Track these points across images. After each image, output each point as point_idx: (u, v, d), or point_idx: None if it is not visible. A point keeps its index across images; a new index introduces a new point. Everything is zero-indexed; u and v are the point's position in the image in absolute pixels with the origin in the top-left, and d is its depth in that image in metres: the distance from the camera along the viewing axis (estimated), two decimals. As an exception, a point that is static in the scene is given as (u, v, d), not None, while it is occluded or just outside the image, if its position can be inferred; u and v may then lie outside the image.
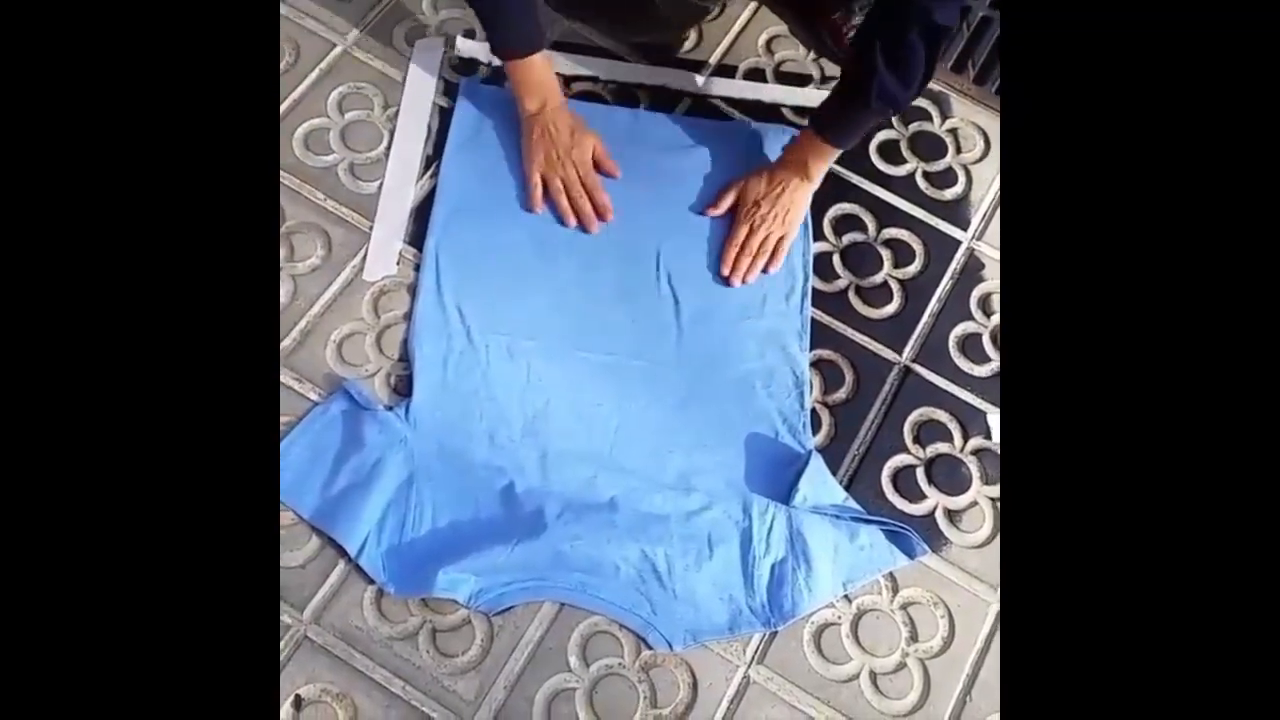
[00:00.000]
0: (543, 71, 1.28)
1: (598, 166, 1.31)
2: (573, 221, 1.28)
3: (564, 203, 1.28)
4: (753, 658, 1.11)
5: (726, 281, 1.28)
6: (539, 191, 1.29)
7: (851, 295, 1.32)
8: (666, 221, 1.32)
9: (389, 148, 1.34)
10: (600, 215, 1.29)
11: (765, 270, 1.29)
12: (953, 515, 1.20)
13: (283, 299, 1.22)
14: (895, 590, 1.16)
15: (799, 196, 1.30)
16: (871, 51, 1.15)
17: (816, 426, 1.23)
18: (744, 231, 1.29)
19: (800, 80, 1.46)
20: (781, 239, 1.29)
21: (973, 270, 1.35)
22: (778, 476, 1.18)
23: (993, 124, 1.45)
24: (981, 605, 1.16)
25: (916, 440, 1.24)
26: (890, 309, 1.32)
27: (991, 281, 1.34)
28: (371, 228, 1.28)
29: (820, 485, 1.17)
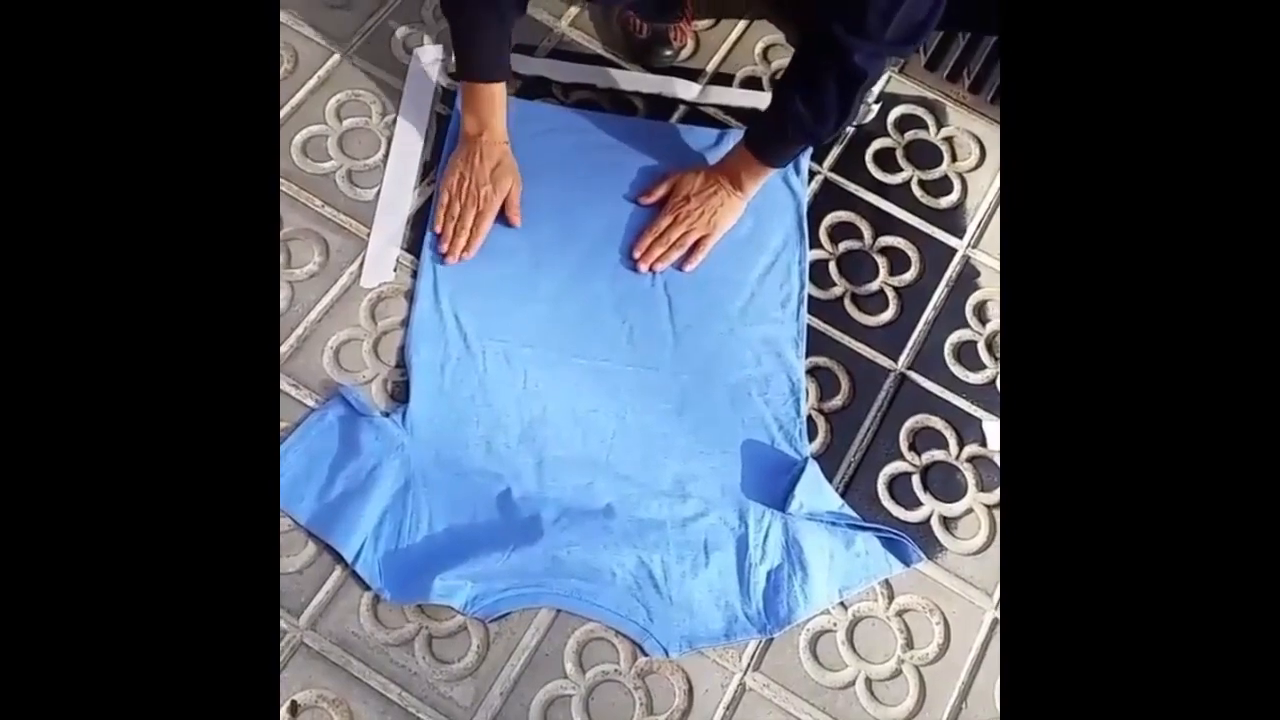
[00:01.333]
0: (494, 101, 1.28)
1: (504, 210, 1.29)
2: (445, 247, 1.27)
3: (448, 230, 1.27)
4: (748, 664, 1.11)
5: (634, 266, 1.28)
6: (444, 210, 1.28)
7: (847, 303, 1.32)
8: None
9: (387, 155, 1.34)
10: (462, 252, 1.27)
11: (680, 268, 1.29)
12: (948, 522, 1.20)
13: (280, 306, 1.22)
14: (891, 597, 1.16)
15: (731, 203, 1.30)
16: (791, 83, 1.17)
17: (812, 433, 1.23)
18: (666, 222, 1.29)
19: (797, 88, 1.47)
20: (703, 239, 1.29)
21: (968, 278, 1.36)
22: (774, 483, 1.18)
23: (988, 132, 1.46)
24: (977, 612, 1.16)
25: (912, 447, 1.24)
26: (886, 316, 1.32)
27: (987, 289, 1.35)
28: (369, 234, 1.29)
29: (816, 492, 1.17)
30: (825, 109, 1.15)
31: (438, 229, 1.28)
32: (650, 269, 1.28)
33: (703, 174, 1.31)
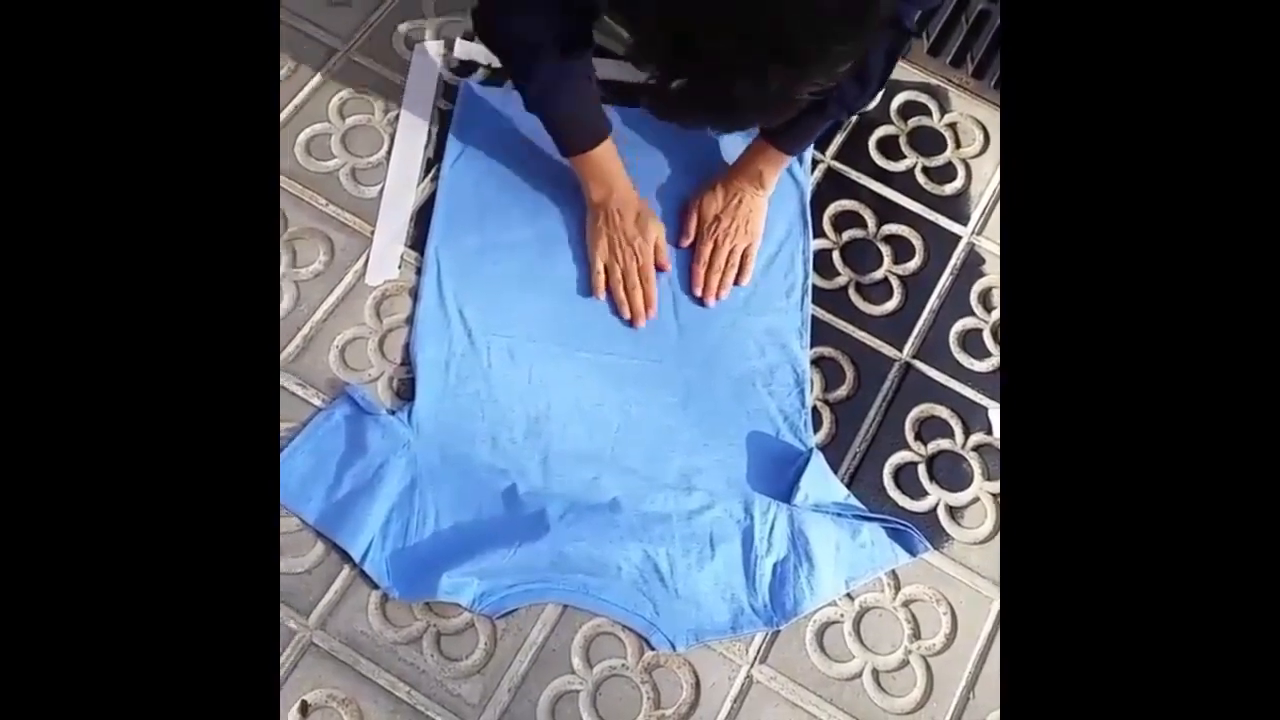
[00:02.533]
0: (608, 160, 1.25)
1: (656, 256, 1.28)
2: (626, 313, 1.25)
3: (620, 293, 1.26)
4: (755, 657, 1.12)
5: (701, 302, 1.27)
6: (601, 278, 1.26)
7: (851, 292, 1.32)
8: (665, 220, 1.32)
9: (390, 152, 1.35)
10: (646, 308, 1.26)
11: (736, 283, 1.28)
12: (954, 512, 1.20)
13: (285, 305, 1.23)
14: (897, 588, 1.16)
15: (757, 204, 1.29)
16: None
17: (817, 424, 1.23)
18: (709, 249, 1.28)
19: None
20: (747, 249, 1.29)
21: (973, 265, 1.35)
22: (779, 475, 1.19)
23: (992, 118, 1.45)
24: (984, 602, 1.16)
25: (918, 437, 1.24)
26: (890, 305, 1.32)
27: (991, 276, 1.34)
28: (373, 232, 1.29)
29: (821, 483, 1.17)
30: (870, 78, 1.14)
31: (600, 297, 1.26)
32: (717, 297, 1.27)
33: (719, 186, 1.30)
